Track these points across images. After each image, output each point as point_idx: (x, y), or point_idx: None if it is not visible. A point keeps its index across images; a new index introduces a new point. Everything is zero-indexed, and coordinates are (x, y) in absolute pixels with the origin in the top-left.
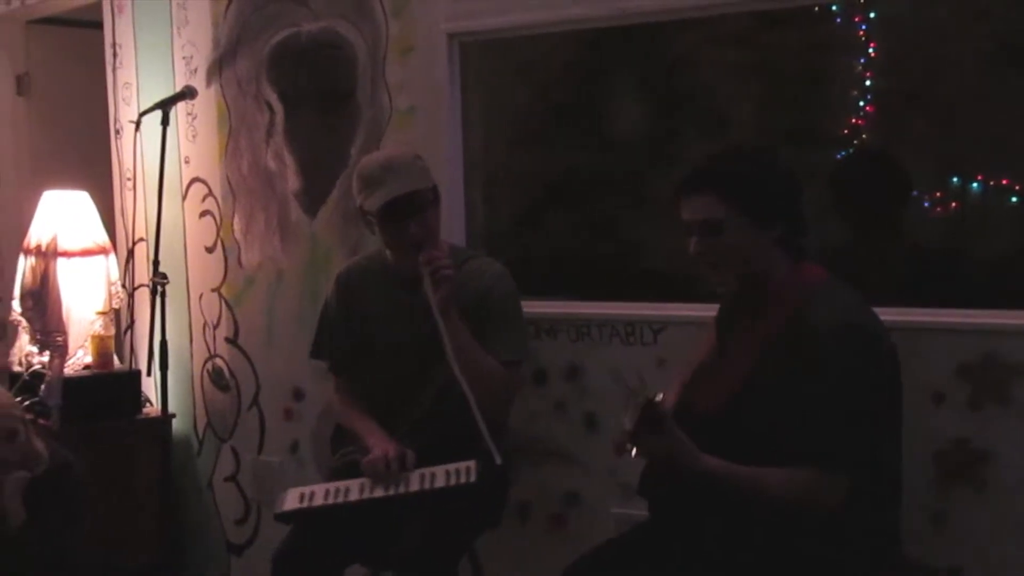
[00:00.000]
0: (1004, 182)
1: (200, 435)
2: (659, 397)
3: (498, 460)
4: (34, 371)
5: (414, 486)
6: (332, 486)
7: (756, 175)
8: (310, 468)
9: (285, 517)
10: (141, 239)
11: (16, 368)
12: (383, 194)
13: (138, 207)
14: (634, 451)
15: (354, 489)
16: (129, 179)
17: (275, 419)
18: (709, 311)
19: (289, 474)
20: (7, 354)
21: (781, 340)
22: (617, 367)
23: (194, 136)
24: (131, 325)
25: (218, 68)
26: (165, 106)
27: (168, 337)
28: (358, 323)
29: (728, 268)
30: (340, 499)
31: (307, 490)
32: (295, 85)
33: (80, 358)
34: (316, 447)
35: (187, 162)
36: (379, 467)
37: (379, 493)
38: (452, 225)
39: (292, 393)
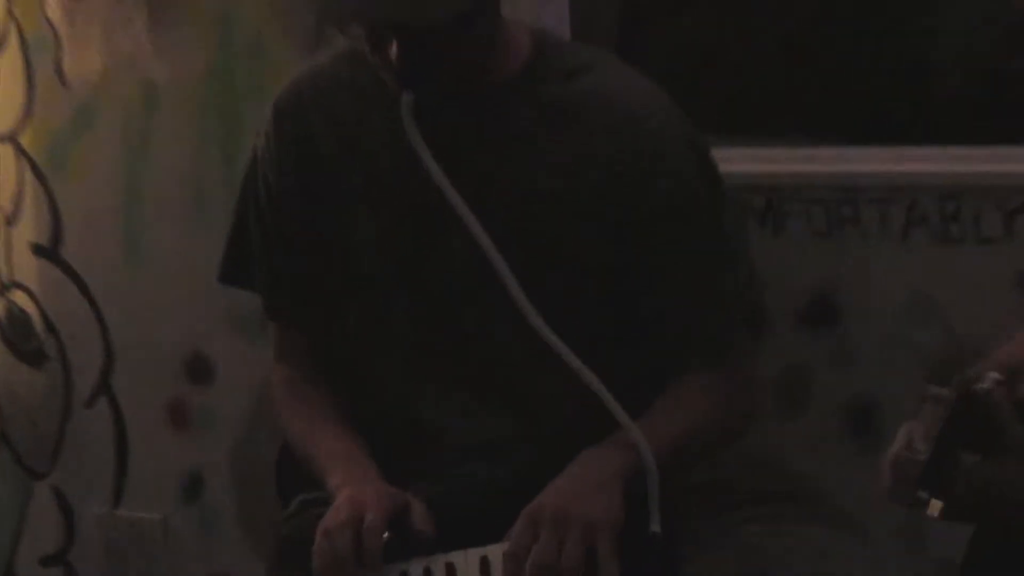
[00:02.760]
0: None
1: None
2: (986, 383)
3: (655, 526)
4: None
5: None
6: None
7: None
8: (232, 534)
9: None
10: None
11: None
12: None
13: None
14: (936, 508)
15: None
16: None
17: (150, 426)
18: None
19: (186, 549)
20: None
21: None
22: (927, 297)
23: None
24: None
25: None
26: None
27: None
28: (328, 216)
29: None
30: None
31: None
32: None
33: None
34: (243, 486)
35: None
36: (342, 545)
37: None
38: None
39: (186, 368)
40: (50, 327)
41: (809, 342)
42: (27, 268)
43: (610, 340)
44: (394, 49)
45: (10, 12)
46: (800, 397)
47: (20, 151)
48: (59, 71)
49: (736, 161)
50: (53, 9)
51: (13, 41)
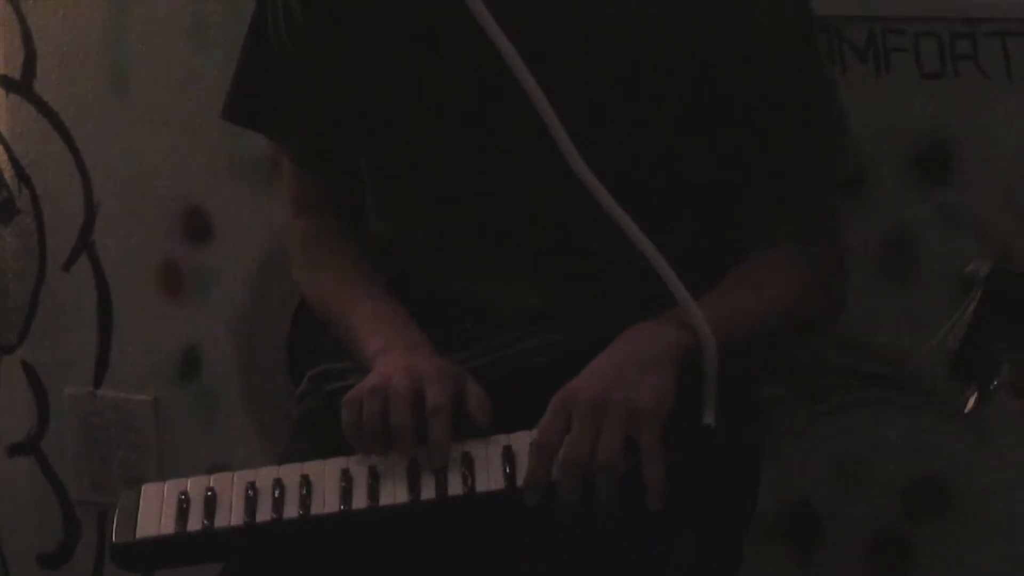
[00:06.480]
0: None
1: None
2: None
3: (710, 418)
4: None
5: (484, 482)
6: (257, 476)
7: None
8: (233, 419)
9: (133, 556)
10: None
11: None
12: None
13: None
14: (970, 402)
15: (325, 485)
16: None
17: (138, 292)
18: None
19: (179, 435)
20: None
21: None
22: None
23: None
24: None
25: None
26: None
27: None
28: (361, 52)
29: None
30: (271, 515)
31: (191, 486)
32: None
33: None
34: (246, 362)
35: None
36: (399, 423)
37: (387, 497)
38: None
39: (180, 225)
40: (21, 175)
41: (917, 201)
42: None
43: (678, 209)
44: None
45: None
46: (906, 265)
47: None
48: None
49: None
50: None
51: None
